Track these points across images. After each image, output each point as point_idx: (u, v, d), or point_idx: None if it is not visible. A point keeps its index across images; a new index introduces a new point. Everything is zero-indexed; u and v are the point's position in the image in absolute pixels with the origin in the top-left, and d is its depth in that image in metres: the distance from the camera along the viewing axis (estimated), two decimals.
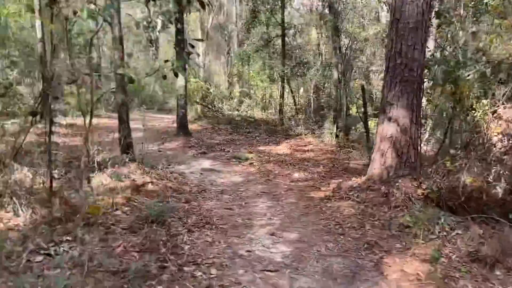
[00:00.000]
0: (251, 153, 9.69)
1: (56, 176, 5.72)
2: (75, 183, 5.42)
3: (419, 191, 5.62)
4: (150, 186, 5.89)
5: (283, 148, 10.58)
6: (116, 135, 9.52)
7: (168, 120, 15.53)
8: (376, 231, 4.70)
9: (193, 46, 4.44)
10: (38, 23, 11.19)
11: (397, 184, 5.77)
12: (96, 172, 6.02)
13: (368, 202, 5.72)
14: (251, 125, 14.64)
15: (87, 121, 5.34)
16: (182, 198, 5.70)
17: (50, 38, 11.23)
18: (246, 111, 16.54)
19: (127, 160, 6.68)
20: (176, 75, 4.07)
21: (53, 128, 10.75)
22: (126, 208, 4.80)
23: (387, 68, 6.17)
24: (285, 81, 15.70)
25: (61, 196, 4.46)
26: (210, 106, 17.32)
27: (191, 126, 14.65)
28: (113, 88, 8.08)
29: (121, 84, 6.89)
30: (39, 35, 11.25)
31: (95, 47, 20.27)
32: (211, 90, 17.47)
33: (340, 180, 6.95)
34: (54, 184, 5.20)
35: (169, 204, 5.27)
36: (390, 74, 6.09)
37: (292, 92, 16.59)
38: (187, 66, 10.23)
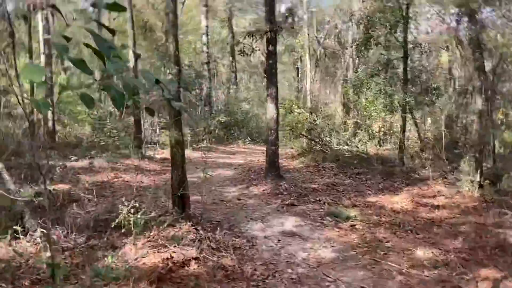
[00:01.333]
0: (356, 206, 7.33)
1: (70, 244, 4.28)
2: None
3: None
4: (192, 266, 4.07)
5: (401, 200, 7.95)
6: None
7: None
8: None
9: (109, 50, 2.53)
10: (130, 52, 10.68)
11: None
12: (128, 240, 4.45)
13: None
14: (363, 163, 12.17)
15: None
16: None
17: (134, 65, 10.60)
18: (357, 146, 14.06)
19: (176, 218, 5.02)
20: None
21: (141, 163, 9.63)
22: None
23: None
24: (408, 111, 12.92)
25: None
26: (317, 140, 15.28)
27: (292, 163, 12.81)
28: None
29: (176, 117, 5.30)
30: (131, 64, 10.72)
31: (206, 78, 20.02)
32: (317, 122, 15.44)
33: (496, 273, 4.26)
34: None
35: None
36: None
37: (416, 124, 13.65)
38: (276, 94, 8.44)
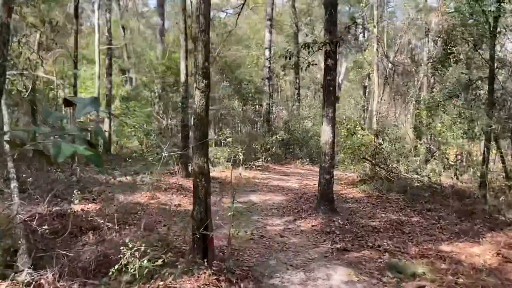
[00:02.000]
0: (425, 257, 5.95)
1: None
2: None
3: None
4: None
5: (485, 252, 6.41)
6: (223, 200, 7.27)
7: None
8: None
9: None
10: (182, 65, 10.15)
11: None
12: None
13: None
14: (435, 197, 10.55)
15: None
16: None
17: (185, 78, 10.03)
18: (429, 176, 12.36)
19: (195, 264, 4.10)
20: None
21: (185, 182, 8.91)
22: None
23: None
24: (492, 139, 11.10)
25: None
26: (382, 165, 13.77)
27: (351, 191, 11.51)
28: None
29: (200, 140, 4.43)
30: (182, 78, 10.20)
31: (266, 93, 19.24)
32: (384, 145, 13.94)
33: None
34: None
35: None
36: None
37: (502, 155, 11.71)
38: (333, 115, 7.31)
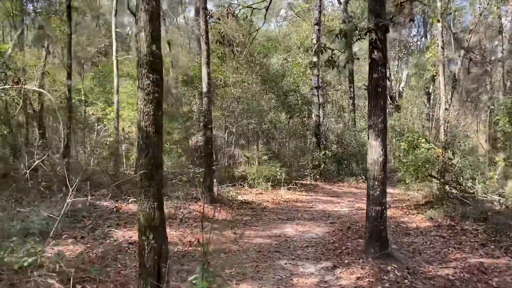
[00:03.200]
0: None
1: None
2: None
3: None
4: None
5: None
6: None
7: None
8: None
9: None
10: (204, 72, 8.75)
11: None
12: None
13: None
14: None
15: None
16: None
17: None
18: None
19: None
20: None
21: (209, 209, 7.43)
22: None
23: None
24: None
25: None
26: (454, 184, 11.39)
27: (414, 219, 9.39)
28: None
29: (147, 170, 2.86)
30: (204, 87, 8.81)
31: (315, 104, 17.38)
32: (454, 161, 11.56)
33: None
34: None
35: None
36: None
37: None
38: (382, 126, 5.41)
